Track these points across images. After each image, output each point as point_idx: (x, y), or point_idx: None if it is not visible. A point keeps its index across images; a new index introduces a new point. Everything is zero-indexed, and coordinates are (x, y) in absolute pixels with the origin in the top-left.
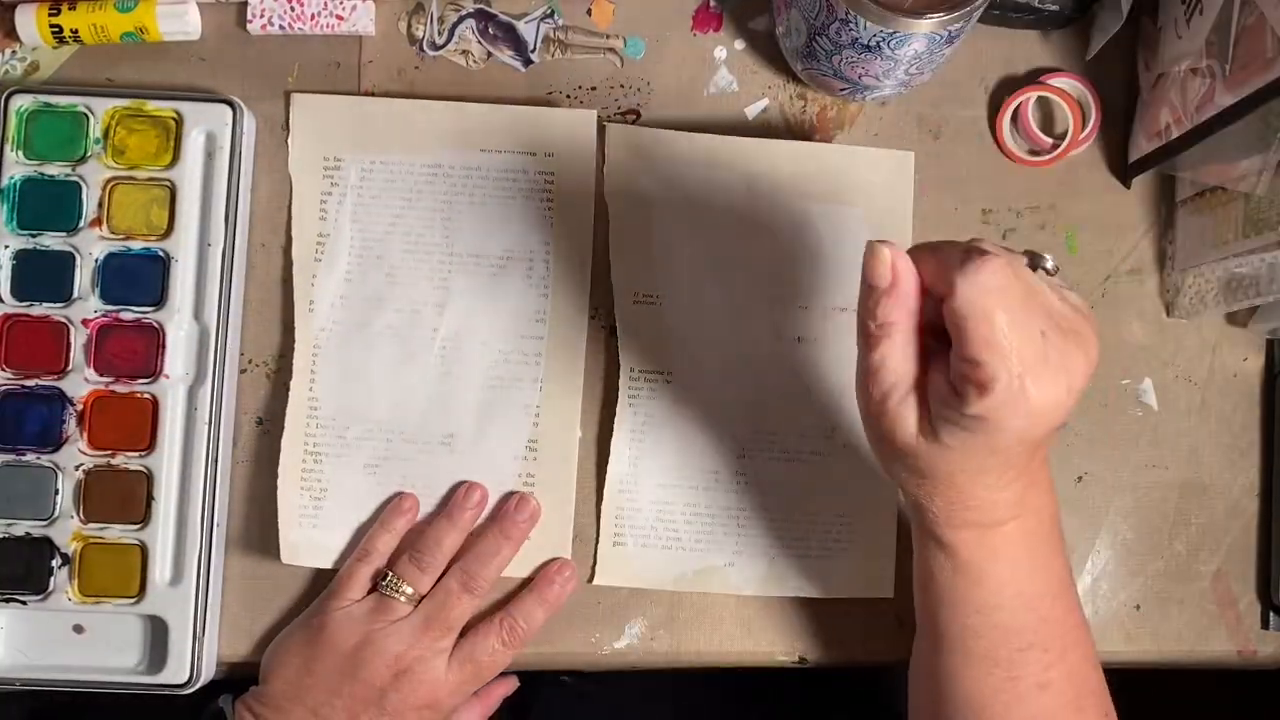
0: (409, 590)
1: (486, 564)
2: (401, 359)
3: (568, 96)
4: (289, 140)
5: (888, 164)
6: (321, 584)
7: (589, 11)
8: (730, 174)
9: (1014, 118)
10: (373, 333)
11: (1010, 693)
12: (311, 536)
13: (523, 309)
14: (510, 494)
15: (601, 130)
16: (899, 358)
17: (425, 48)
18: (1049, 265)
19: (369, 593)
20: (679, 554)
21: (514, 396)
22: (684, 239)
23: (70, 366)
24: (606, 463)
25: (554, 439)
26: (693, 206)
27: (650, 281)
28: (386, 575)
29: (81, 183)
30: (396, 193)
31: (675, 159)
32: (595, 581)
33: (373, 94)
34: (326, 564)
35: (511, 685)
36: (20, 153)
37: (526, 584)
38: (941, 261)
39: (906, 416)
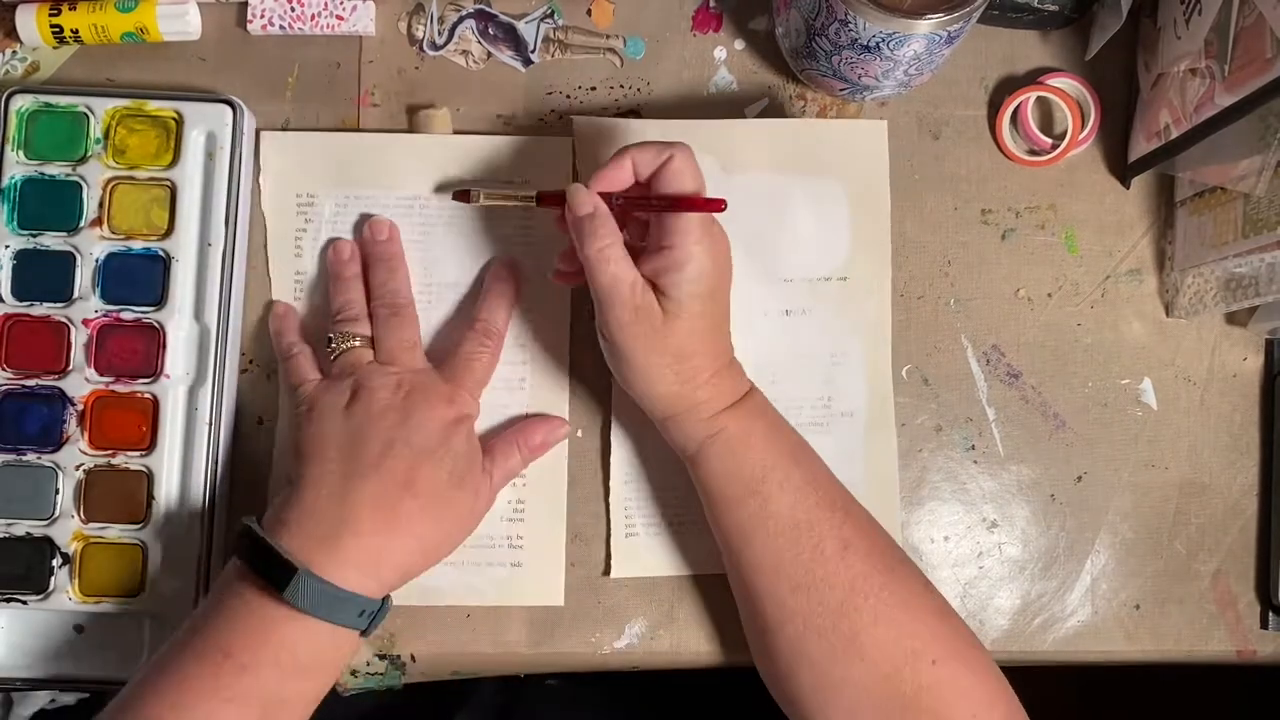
0: (356, 336)
1: (393, 276)
2: None
3: (567, 96)
4: (260, 179)
5: (861, 134)
6: None
7: (589, 11)
8: (705, 156)
9: (1014, 118)
10: None
11: (824, 564)
12: None
13: (509, 333)
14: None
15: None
16: (625, 265)
17: (425, 48)
18: None
19: (326, 357)
20: (692, 537)
21: (499, 431)
22: None
23: (71, 366)
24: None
25: (543, 463)
26: None
27: None
28: (330, 340)
29: (82, 183)
30: None
31: None
32: (612, 575)
33: (372, 94)
34: None
35: (556, 426)
36: (21, 153)
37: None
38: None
39: (651, 304)
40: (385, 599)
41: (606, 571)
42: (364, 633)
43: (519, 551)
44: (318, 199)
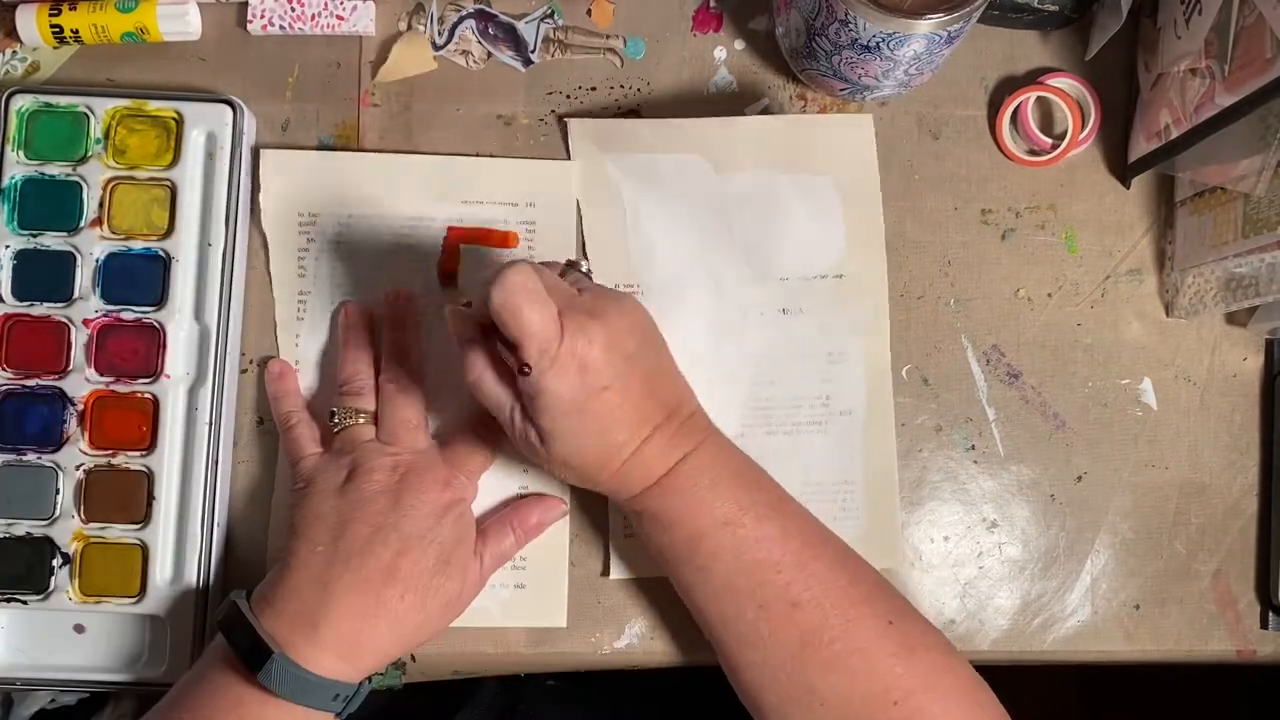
0: (361, 414)
1: (404, 350)
2: None
3: (567, 96)
4: (260, 198)
5: (847, 128)
6: None
7: (589, 11)
8: (696, 155)
9: (1014, 118)
10: None
11: (770, 622)
12: None
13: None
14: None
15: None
16: (497, 393)
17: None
18: (584, 268)
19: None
20: None
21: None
22: (657, 225)
23: (71, 366)
24: None
25: (545, 483)
26: (663, 191)
27: (628, 271)
28: (333, 414)
29: (82, 183)
30: (376, 246)
31: (640, 147)
32: (611, 575)
33: (372, 94)
34: None
35: (553, 507)
36: (21, 153)
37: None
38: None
39: (527, 428)
40: (363, 682)
41: (605, 572)
42: (339, 714)
43: (522, 573)
44: (320, 218)
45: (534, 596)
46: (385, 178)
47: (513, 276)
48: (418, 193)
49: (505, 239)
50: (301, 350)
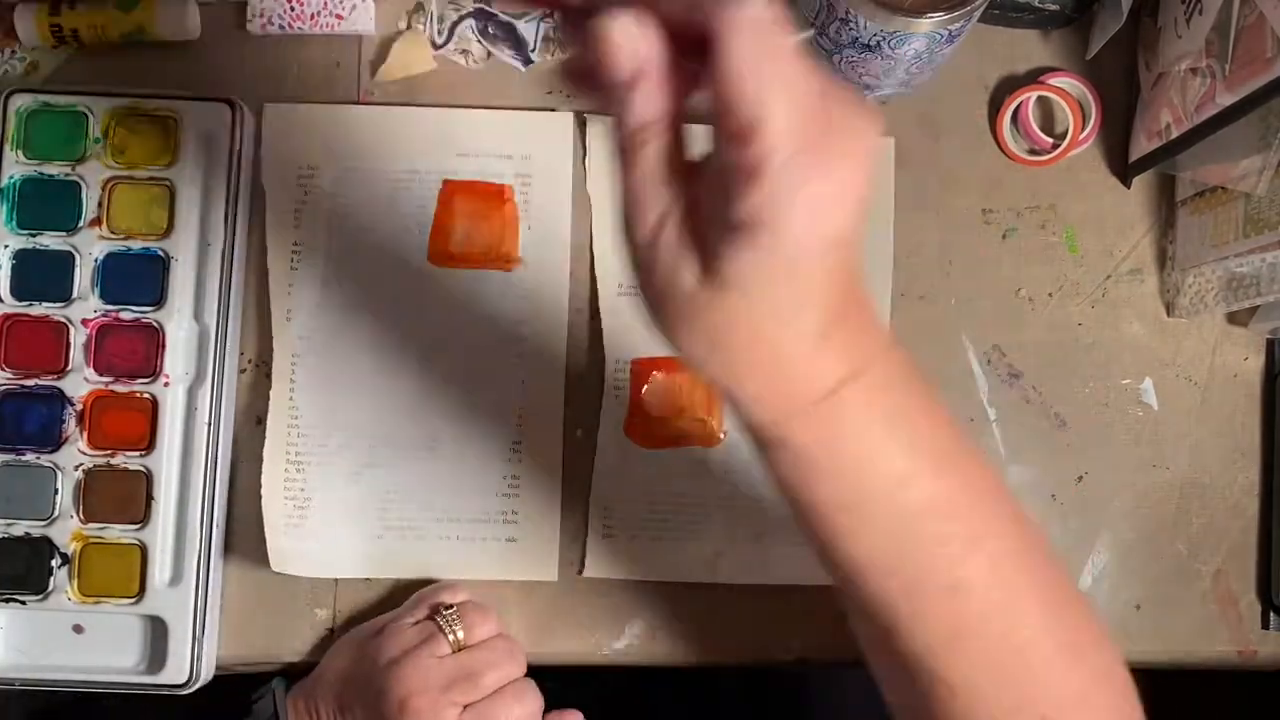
0: (460, 634)
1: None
2: (381, 365)
3: (567, 96)
4: (260, 151)
5: None
6: (322, 585)
7: None
8: None
9: (1014, 117)
10: (351, 340)
11: (914, 603)
12: (299, 546)
13: (502, 310)
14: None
15: (580, 129)
16: (662, 173)
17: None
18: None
19: (427, 619)
20: (670, 544)
21: (496, 399)
22: None
23: (70, 366)
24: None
25: (538, 441)
26: None
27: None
28: (450, 607)
29: (81, 182)
30: (372, 199)
31: None
32: (585, 574)
33: (372, 94)
34: (315, 573)
35: None
36: (20, 152)
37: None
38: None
39: (684, 256)
40: None
41: (581, 570)
42: None
43: (513, 526)
44: (318, 171)
45: (524, 551)
46: (383, 130)
47: (752, 26)
48: (414, 145)
49: (501, 192)
50: (294, 300)
